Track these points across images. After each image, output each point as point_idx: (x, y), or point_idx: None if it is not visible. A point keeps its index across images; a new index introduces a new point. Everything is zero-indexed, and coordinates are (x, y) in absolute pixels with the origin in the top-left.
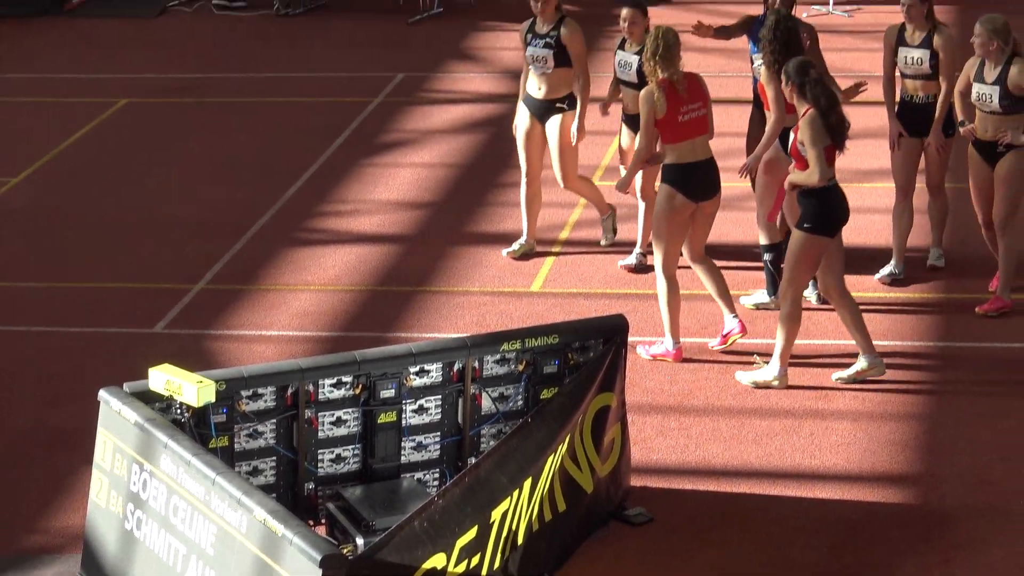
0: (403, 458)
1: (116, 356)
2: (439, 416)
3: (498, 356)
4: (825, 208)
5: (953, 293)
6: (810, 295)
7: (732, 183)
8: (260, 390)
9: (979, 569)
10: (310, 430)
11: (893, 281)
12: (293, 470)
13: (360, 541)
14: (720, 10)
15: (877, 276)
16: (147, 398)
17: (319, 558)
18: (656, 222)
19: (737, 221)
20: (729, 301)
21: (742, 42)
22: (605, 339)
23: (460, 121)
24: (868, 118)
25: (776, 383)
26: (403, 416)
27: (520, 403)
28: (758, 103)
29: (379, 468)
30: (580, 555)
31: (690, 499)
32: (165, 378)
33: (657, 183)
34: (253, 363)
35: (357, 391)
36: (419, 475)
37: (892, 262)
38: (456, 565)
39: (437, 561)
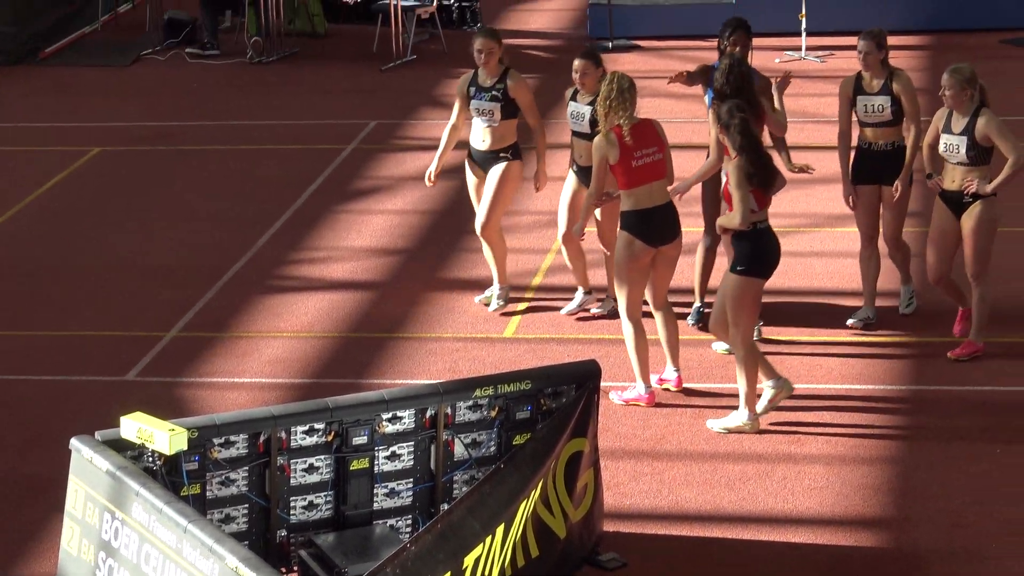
0: (376, 505)
1: (88, 404)
2: (412, 463)
3: (470, 402)
4: (757, 251)
5: (925, 337)
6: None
7: (696, 228)
8: (232, 438)
9: None
10: (282, 477)
11: (866, 325)
12: (265, 517)
13: None
14: (689, 56)
15: (850, 321)
16: (119, 446)
17: None
18: (616, 269)
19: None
20: (676, 354)
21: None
22: (578, 384)
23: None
24: (837, 162)
25: (748, 427)
26: (375, 463)
27: (493, 449)
28: None
29: (351, 515)
30: None
31: (663, 544)
32: (137, 426)
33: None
34: (225, 411)
35: (329, 438)
36: (392, 522)
37: (864, 307)
38: None
39: None
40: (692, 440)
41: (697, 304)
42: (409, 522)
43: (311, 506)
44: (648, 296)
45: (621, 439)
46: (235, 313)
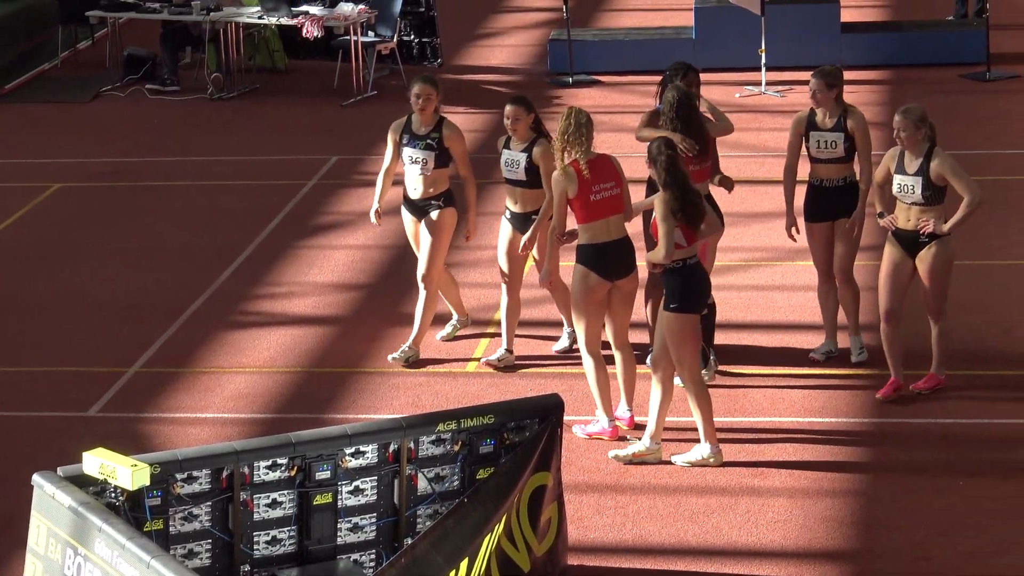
0: (339, 539)
1: (50, 440)
2: (375, 497)
3: (434, 437)
4: (688, 287)
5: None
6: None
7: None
8: (195, 473)
9: None
10: (245, 512)
11: (828, 358)
12: (229, 552)
13: None
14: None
15: (812, 354)
16: (81, 482)
17: None
18: (573, 303)
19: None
20: (631, 394)
21: None
22: (541, 418)
23: (394, 203)
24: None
25: (712, 460)
26: (339, 497)
27: (456, 483)
28: None
29: (315, 550)
30: None
31: None
32: (99, 462)
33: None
34: (188, 446)
35: (292, 473)
36: (355, 556)
37: (825, 340)
38: None
39: None
40: (656, 474)
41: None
42: (373, 557)
43: (275, 541)
44: (608, 335)
45: (585, 473)
46: (197, 348)
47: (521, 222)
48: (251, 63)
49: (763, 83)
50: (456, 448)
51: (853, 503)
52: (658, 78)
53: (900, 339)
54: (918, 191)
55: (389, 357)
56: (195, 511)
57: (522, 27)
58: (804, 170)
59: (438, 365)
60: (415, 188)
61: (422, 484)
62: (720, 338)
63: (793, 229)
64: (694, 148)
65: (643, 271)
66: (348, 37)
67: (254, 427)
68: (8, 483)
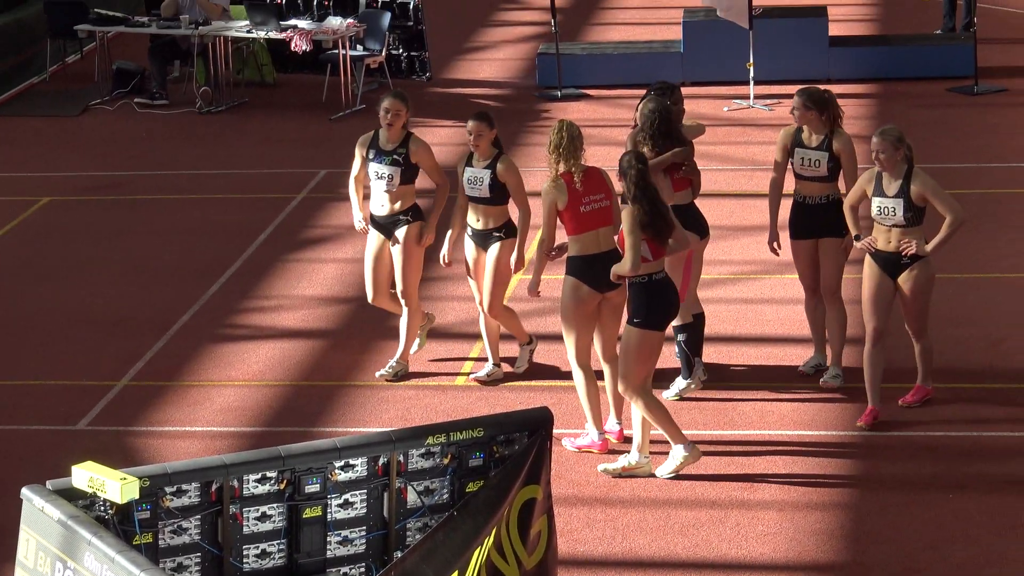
0: (328, 553)
1: (39, 453)
2: (364, 510)
3: (423, 450)
4: (652, 303)
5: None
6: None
7: None
8: (184, 486)
9: None
10: (235, 526)
11: (817, 372)
12: (218, 566)
13: None
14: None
15: (801, 367)
16: (70, 495)
17: None
18: (564, 315)
19: None
20: (620, 407)
21: None
22: (530, 432)
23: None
24: (785, 210)
25: (690, 458)
26: (328, 511)
27: (446, 496)
28: None
29: (304, 563)
30: None
31: None
32: (88, 475)
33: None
34: (177, 459)
35: (282, 486)
36: (345, 570)
37: (814, 354)
38: None
39: None
40: (645, 487)
41: None
42: (362, 570)
43: (264, 554)
44: (597, 347)
45: (574, 486)
46: (186, 362)
47: (482, 239)
48: (240, 77)
49: (751, 97)
50: (446, 461)
51: (842, 516)
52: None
53: (883, 360)
54: (900, 212)
55: (377, 374)
56: (184, 524)
57: (511, 41)
58: (792, 185)
59: (427, 378)
60: (381, 205)
61: (412, 497)
62: (709, 351)
63: (775, 243)
64: (688, 157)
65: None
66: (337, 51)
67: (243, 440)
68: None
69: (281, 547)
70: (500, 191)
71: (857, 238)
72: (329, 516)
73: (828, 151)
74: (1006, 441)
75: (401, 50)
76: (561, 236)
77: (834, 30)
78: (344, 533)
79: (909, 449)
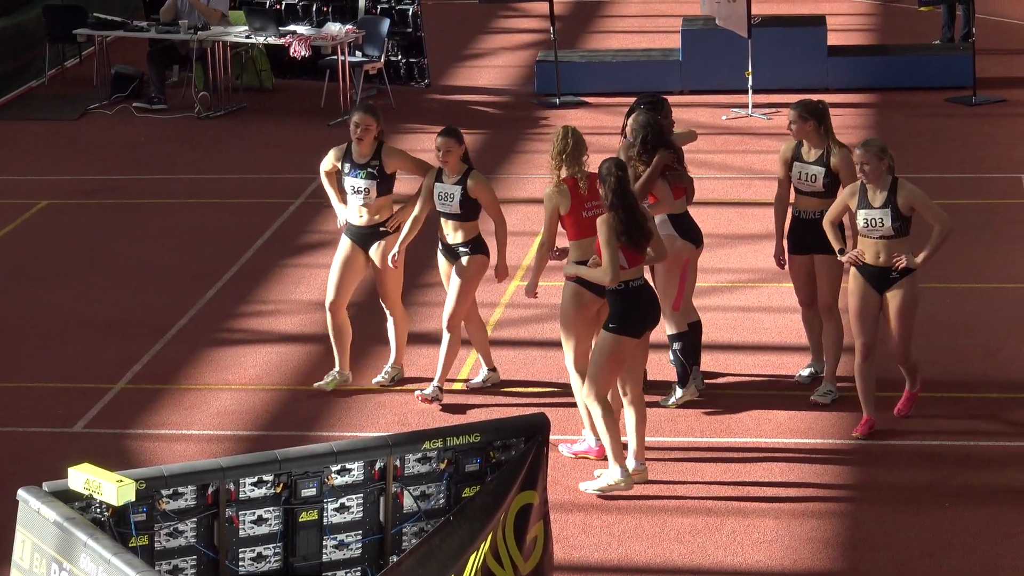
0: (324, 557)
1: (35, 455)
2: (361, 514)
3: (419, 455)
4: (628, 310)
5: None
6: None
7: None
8: (180, 489)
9: None
10: (231, 529)
11: (813, 380)
12: (214, 569)
13: None
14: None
15: (797, 376)
16: (66, 497)
17: None
18: (564, 319)
19: None
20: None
21: None
22: (527, 437)
23: None
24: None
25: (623, 484)
26: (324, 515)
27: (442, 501)
28: None
29: (300, 567)
30: None
31: None
32: (85, 477)
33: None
34: (173, 462)
35: (278, 490)
36: (341, 574)
37: (810, 362)
38: None
39: None
40: (642, 493)
41: None
42: (358, 574)
43: (260, 558)
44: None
45: (571, 492)
46: (183, 365)
47: (451, 253)
48: (238, 82)
49: (750, 106)
50: (442, 466)
51: (838, 524)
52: None
53: (875, 372)
54: (887, 223)
55: (373, 380)
56: (180, 527)
57: (509, 48)
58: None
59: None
60: (359, 217)
61: (408, 502)
62: (706, 359)
63: (782, 259)
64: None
65: None
66: (335, 57)
67: (240, 444)
68: None
69: (277, 551)
70: (471, 207)
71: (841, 252)
72: (325, 520)
73: (825, 166)
74: (1002, 450)
75: (400, 56)
76: (561, 239)
77: (833, 39)
78: (340, 537)
79: (905, 457)
